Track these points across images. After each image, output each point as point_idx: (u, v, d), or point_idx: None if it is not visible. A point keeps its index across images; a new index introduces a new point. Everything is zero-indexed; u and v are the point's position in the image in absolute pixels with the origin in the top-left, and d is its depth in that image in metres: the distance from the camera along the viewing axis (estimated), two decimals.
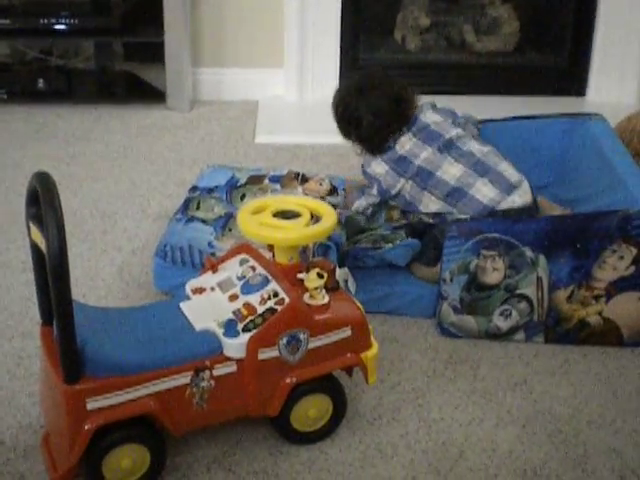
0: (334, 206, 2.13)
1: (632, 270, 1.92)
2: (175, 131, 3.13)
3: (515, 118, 2.46)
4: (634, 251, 1.90)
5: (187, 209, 2.25)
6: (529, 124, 2.45)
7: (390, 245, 2.06)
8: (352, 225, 2.14)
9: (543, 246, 1.91)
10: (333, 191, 2.37)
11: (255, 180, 2.38)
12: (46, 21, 3.21)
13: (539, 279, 1.93)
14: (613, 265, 1.92)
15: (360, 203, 2.22)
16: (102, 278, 2.20)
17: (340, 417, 1.68)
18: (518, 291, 1.94)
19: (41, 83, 3.30)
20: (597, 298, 1.95)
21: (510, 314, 1.95)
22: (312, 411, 1.63)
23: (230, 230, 2.14)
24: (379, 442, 1.68)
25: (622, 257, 1.92)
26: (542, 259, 1.92)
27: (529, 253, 1.92)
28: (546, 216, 2.02)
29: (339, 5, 3.31)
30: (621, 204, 1.96)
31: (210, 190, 2.33)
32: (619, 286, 1.94)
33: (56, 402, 1.49)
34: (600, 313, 1.96)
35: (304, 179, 2.39)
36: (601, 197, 2.09)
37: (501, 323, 1.96)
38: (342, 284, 1.72)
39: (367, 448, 1.66)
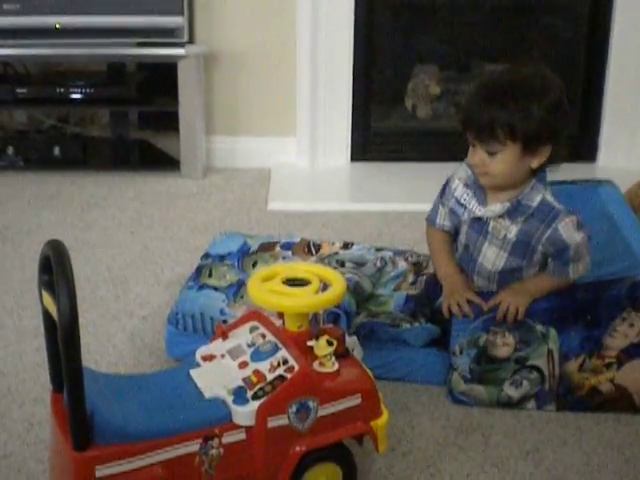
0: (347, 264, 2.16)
1: None
2: (189, 198, 3.17)
3: None
4: None
5: (199, 276, 2.26)
6: None
7: (409, 326, 2.06)
8: (360, 292, 2.15)
9: (553, 320, 1.92)
10: (347, 247, 2.39)
11: (267, 247, 2.39)
12: (62, 90, 3.28)
13: (550, 351, 1.93)
14: (624, 333, 1.92)
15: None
16: (114, 344, 2.20)
17: None
18: (529, 362, 1.94)
19: (57, 151, 3.35)
20: (608, 366, 1.94)
21: (521, 384, 1.95)
22: None
23: (242, 297, 2.15)
24: None
25: (632, 324, 1.91)
26: (553, 332, 1.92)
27: (539, 327, 1.92)
28: (556, 292, 1.98)
29: (350, 74, 3.37)
30: (628, 271, 1.96)
31: (222, 257, 2.35)
32: (630, 353, 1.93)
33: (65, 469, 1.49)
34: (612, 380, 1.95)
35: (317, 247, 2.41)
36: (609, 264, 2.09)
37: (512, 392, 1.95)
38: None
39: None
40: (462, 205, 2.03)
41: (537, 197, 1.93)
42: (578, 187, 2.42)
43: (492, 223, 1.98)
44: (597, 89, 3.46)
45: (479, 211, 1.99)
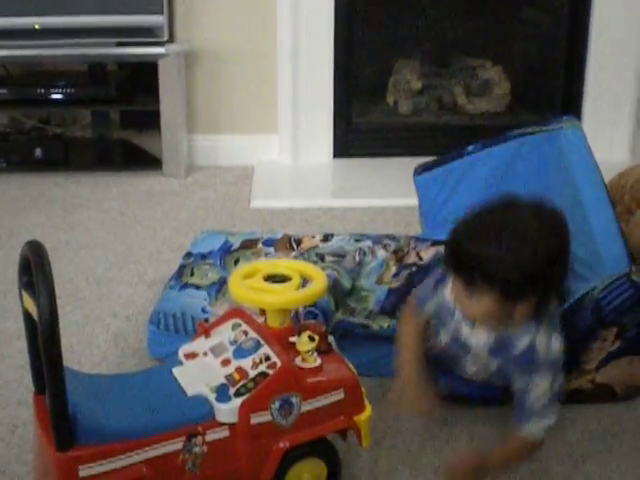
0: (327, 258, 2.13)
1: (617, 344, 1.90)
2: (171, 197, 3.16)
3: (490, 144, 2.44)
4: (614, 330, 1.88)
5: (181, 276, 2.26)
6: (505, 149, 2.42)
7: (378, 328, 2.04)
8: (339, 289, 2.14)
9: None
10: (327, 239, 2.40)
11: (249, 244, 2.39)
12: (43, 91, 3.27)
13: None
14: (599, 348, 1.90)
15: None
16: (97, 345, 2.20)
17: None
18: None
19: (39, 152, 3.34)
20: (588, 372, 1.94)
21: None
22: (306, 475, 1.62)
23: (224, 295, 2.15)
24: None
25: (605, 339, 1.89)
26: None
27: None
28: None
29: (331, 71, 3.37)
30: (589, 262, 1.95)
31: (204, 256, 2.35)
32: (607, 359, 1.92)
33: (48, 470, 1.48)
34: (592, 381, 1.95)
35: (298, 242, 2.41)
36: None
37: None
38: None
39: None
40: (450, 312, 1.79)
41: (525, 339, 1.70)
42: (539, 136, 2.37)
43: (474, 348, 1.77)
44: (577, 82, 3.47)
45: (461, 334, 1.77)
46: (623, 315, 1.86)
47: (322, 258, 2.29)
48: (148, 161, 3.39)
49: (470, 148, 2.44)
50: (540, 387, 1.69)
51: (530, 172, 2.38)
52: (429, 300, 1.83)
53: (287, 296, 1.62)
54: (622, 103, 3.45)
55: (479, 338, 1.75)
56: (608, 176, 2.60)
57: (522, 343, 1.70)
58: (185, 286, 2.21)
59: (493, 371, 1.78)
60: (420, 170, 2.50)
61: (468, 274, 1.63)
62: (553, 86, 3.57)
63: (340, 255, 2.30)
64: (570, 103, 3.50)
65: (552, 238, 1.63)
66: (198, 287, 2.20)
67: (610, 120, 3.46)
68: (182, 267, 2.31)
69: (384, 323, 2.06)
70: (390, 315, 2.08)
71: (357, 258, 2.29)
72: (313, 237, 2.44)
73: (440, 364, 1.86)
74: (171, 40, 3.26)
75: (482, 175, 2.40)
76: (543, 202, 1.67)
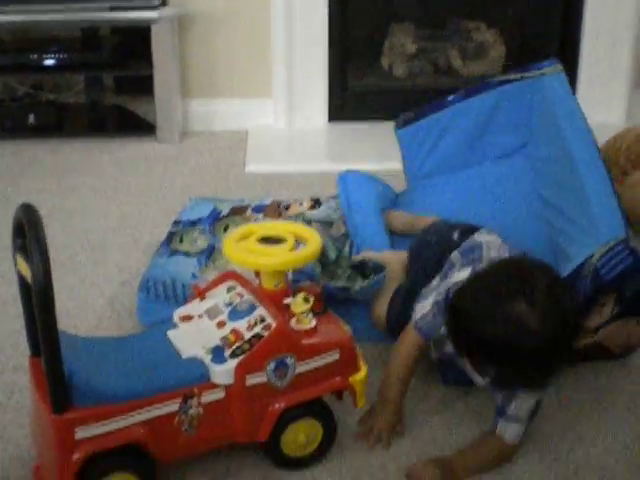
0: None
1: (617, 310, 1.89)
2: (165, 163, 3.15)
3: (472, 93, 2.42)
4: (613, 295, 1.87)
5: (170, 243, 2.26)
6: (486, 99, 2.40)
7: (357, 287, 2.02)
8: (325, 257, 2.13)
9: None
10: (314, 205, 2.39)
11: (238, 211, 2.39)
12: (36, 57, 3.24)
13: None
14: (599, 313, 1.89)
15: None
16: (93, 309, 2.20)
17: (330, 441, 1.68)
18: None
19: (32, 118, 3.33)
20: (587, 334, 1.94)
21: None
22: (302, 436, 1.63)
23: (214, 262, 2.15)
24: (370, 465, 1.68)
25: (604, 304, 1.88)
26: None
27: None
28: None
29: (326, 34, 3.35)
30: (581, 217, 1.95)
31: (193, 223, 2.35)
32: (606, 323, 1.91)
33: (45, 432, 1.49)
34: (589, 342, 1.95)
35: (286, 207, 2.41)
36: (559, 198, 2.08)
37: None
38: None
39: (358, 472, 1.66)
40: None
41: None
42: (519, 84, 2.35)
43: None
44: (573, 44, 3.45)
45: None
46: (622, 282, 1.84)
47: (309, 224, 2.29)
48: (142, 126, 3.38)
49: (450, 98, 2.42)
50: (525, 401, 1.66)
51: (513, 123, 2.37)
52: (435, 330, 1.74)
53: (281, 258, 1.62)
54: (618, 66, 3.43)
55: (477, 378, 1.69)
56: (604, 138, 2.60)
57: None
58: (174, 253, 2.21)
59: None
60: (401, 123, 2.48)
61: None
62: (548, 49, 3.54)
63: (327, 223, 2.29)
64: (565, 66, 3.47)
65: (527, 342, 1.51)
66: (187, 254, 2.20)
67: (606, 82, 3.44)
68: (171, 234, 2.31)
69: (359, 282, 2.04)
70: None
71: (342, 230, 2.28)
72: (301, 204, 2.42)
73: (446, 361, 1.83)
74: (164, 4, 3.23)
75: (464, 127, 2.39)
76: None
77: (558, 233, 2.10)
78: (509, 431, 1.67)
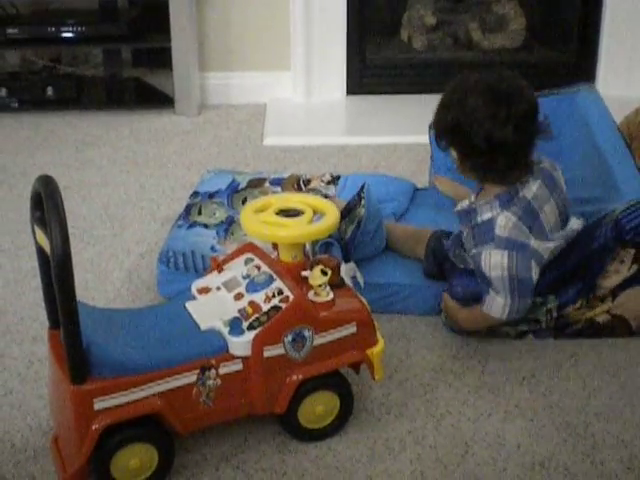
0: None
1: (635, 269, 1.91)
2: (184, 135, 3.15)
3: None
4: (632, 252, 1.88)
5: (189, 215, 2.26)
6: None
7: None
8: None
9: (552, 289, 1.93)
10: (332, 181, 2.39)
11: (256, 184, 2.39)
12: (54, 29, 3.24)
13: (549, 310, 1.94)
14: (615, 270, 1.91)
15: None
16: (111, 281, 2.21)
17: (347, 414, 1.68)
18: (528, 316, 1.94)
19: (50, 91, 3.32)
20: (603, 299, 1.94)
21: (518, 324, 1.95)
22: (319, 408, 1.64)
23: (232, 234, 2.16)
24: (387, 438, 1.68)
25: (622, 261, 1.90)
26: (551, 297, 1.93)
27: (538, 299, 1.92)
28: (551, 266, 1.92)
29: (345, 6, 3.33)
30: (608, 198, 1.96)
31: (211, 195, 2.35)
32: (623, 286, 1.93)
33: (64, 403, 1.50)
34: (608, 311, 1.95)
35: (306, 182, 2.40)
36: (590, 188, 2.08)
37: (509, 329, 1.96)
38: (349, 280, 1.72)
39: (375, 444, 1.66)
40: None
41: (486, 214, 1.85)
42: (555, 98, 2.37)
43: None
44: (594, 17, 3.41)
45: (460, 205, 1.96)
46: None
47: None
48: (160, 99, 3.37)
49: None
50: (493, 257, 1.82)
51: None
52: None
53: (300, 230, 1.62)
54: (639, 40, 3.39)
55: (462, 203, 1.93)
56: (624, 112, 2.58)
57: (483, 216, 1.86)
58: (193, 225, 2.21)
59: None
60: None
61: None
62: (570, 21, 3.51)
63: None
64: (586, 38, 3.45)
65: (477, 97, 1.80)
66: (206, 226, 2.20)
67: (627, 56, 3.41)
68: (189, 206, 2.31)
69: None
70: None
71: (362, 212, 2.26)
72: (322, 180, 2.42)
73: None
74: None
75: None
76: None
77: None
78: (490, 304, 1.86)
